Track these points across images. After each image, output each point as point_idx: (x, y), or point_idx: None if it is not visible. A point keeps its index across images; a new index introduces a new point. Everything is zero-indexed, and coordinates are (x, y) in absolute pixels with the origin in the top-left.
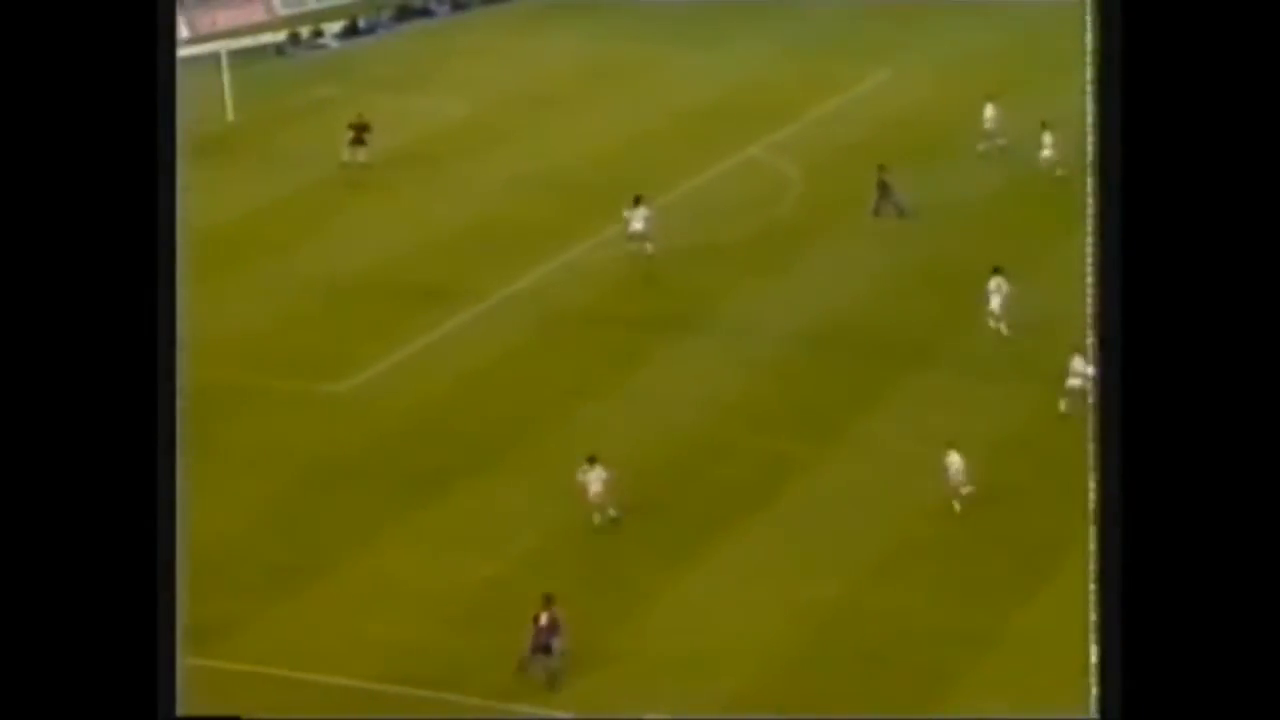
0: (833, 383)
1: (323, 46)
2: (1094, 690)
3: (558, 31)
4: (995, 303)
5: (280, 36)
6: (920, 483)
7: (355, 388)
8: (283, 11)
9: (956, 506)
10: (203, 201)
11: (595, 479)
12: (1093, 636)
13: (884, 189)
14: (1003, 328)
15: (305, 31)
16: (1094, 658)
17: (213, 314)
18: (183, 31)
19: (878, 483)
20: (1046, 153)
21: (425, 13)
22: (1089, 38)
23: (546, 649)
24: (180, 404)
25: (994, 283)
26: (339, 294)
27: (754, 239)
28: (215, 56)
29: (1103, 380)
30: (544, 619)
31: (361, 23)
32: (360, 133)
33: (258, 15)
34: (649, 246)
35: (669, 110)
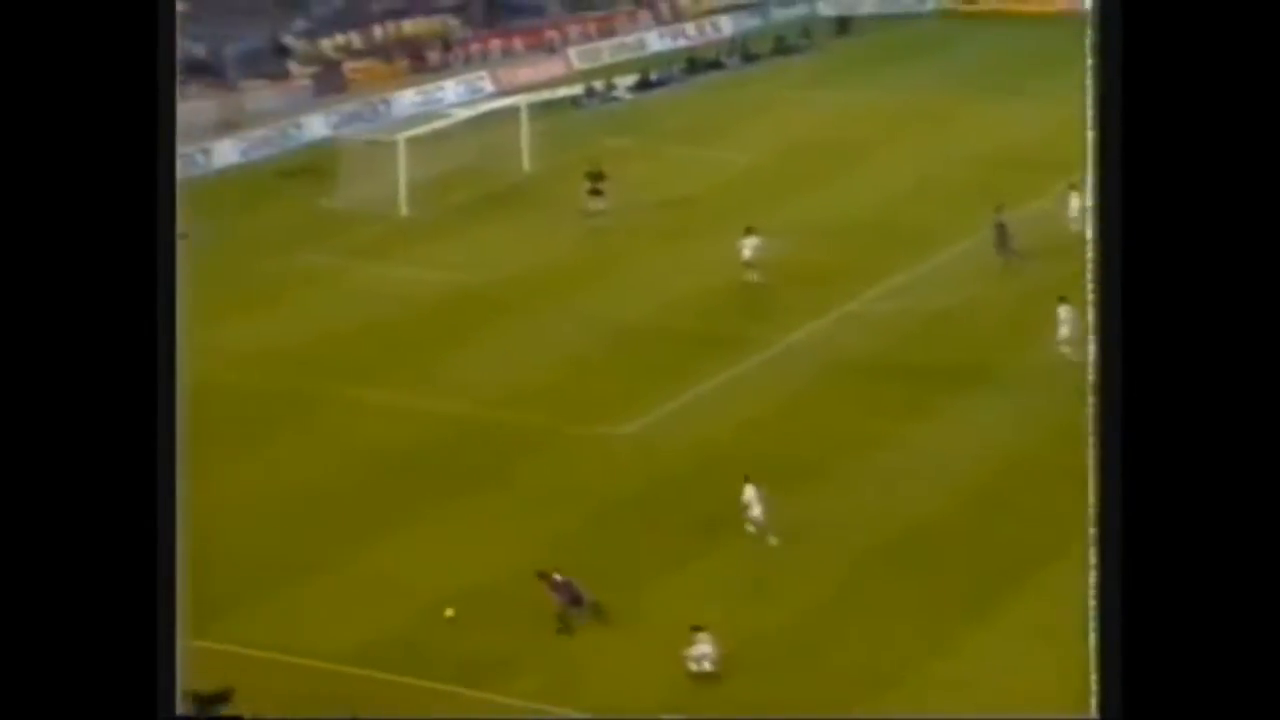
0: None
1: (616, 99)
2: (1094, 690)
3: (847, 82)
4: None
5: (576, 90)
6: None
7: (639, 431)
8: (579, 65)
9: None
10: (499, 249)
11: None
12: (1093, 636)
13: (1001, 231)
14: None
15: (600, 85)
16: (1094, 658)
17: (506, 360)
18: (487, 86)
19: None
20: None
21: (716, 65)
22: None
23: (578, 601)
24: (180, 404)
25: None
26: (625, 339)
27: (1046, 290)
28: (516, 109)
29: (1103, 379)
30: (558, 577)
31: (654, 76)
32: (596, 182)
33: (557, 70)
34: (755, 275)
35: (961, 158)
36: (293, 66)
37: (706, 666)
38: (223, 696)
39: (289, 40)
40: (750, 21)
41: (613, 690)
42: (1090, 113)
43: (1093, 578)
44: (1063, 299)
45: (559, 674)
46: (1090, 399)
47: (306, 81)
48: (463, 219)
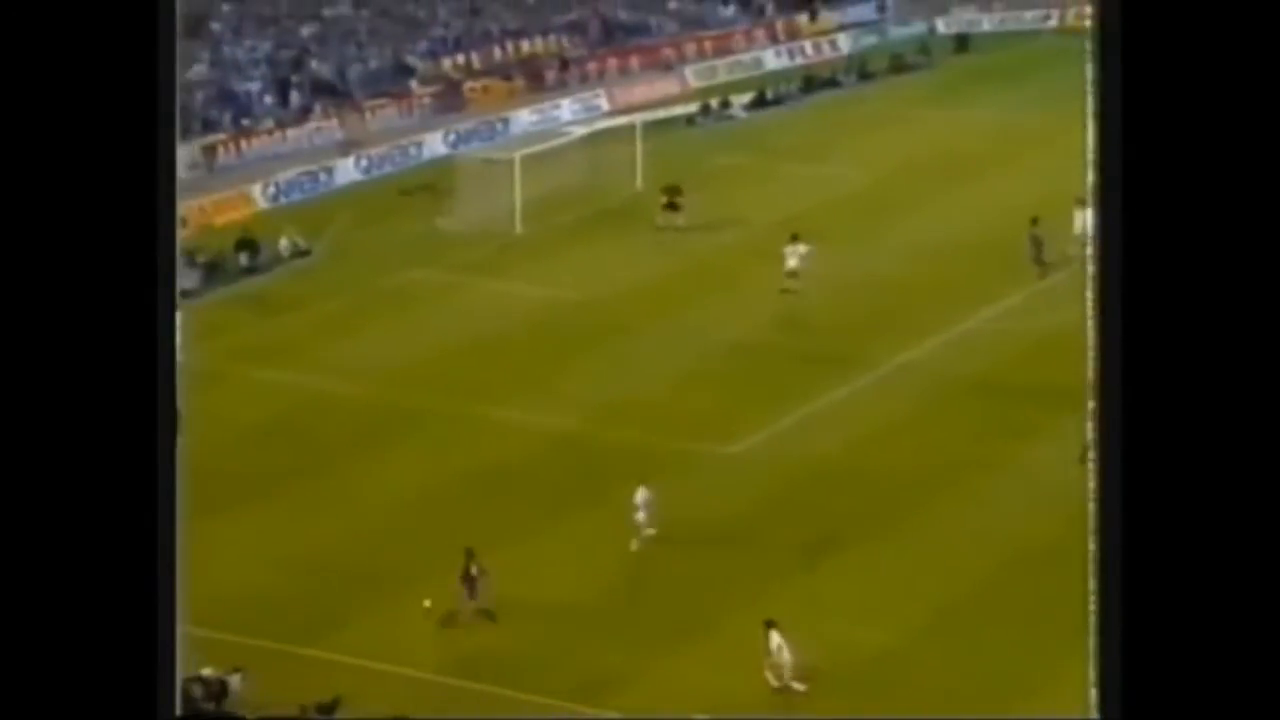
0: None
1: (731, 117)
2: (1094, 690)
3: (965, 100)
4: None
5: (691, 108)
6: None
7: (746, 450)
8: (695, 84)
9: None
10: (610, 266)
11: None
12: (1093, 636)
13: (1036, 243)
14: None
15: (715, 103)
16: (1094, 658)
17: (615, 376)
18: (603, 104)
19: None
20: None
21: (832, 83)
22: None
23: (472, 592)
24: (180, 403)
25: None
26: (734, 357)
27: None
28: (631, 128)
29: (1103, 379)
30: (473, 570)
31: (769, 94)
32: (673, 197)
33: (672, 88)
34: (797, 284)
35: (1079, 176)
36: (414, 86)
37: (786, 672)
38: (332, 705)
39: (411, 60)
40: (867, 40)
41: (711, 709)
42: (1090, 130)
43: (1093, 577)
44: None
45: (661, 691)
46: (1090, 401)
47: (427, 100)
48: (575, 236)
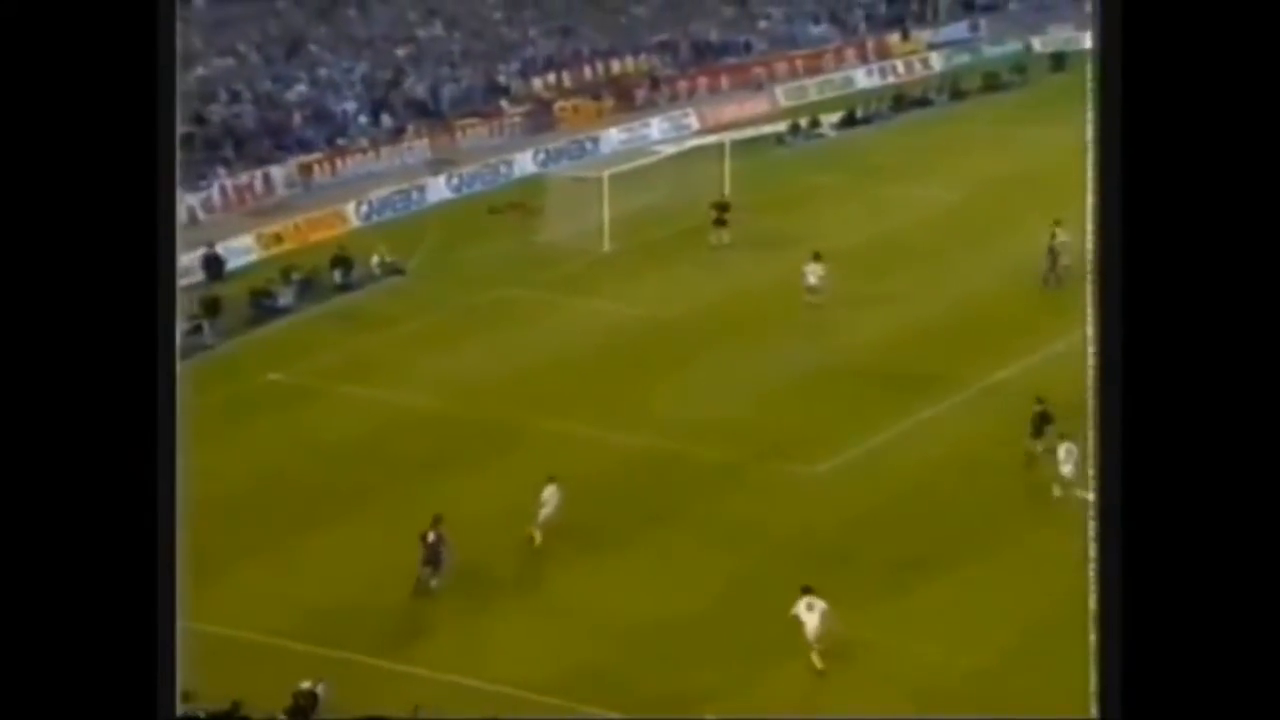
0: None
1: (820, 136)
2: (1094, 690)
3: (1059, 118)
4: None
5: (781, 127)
6: None
7: (831, 470)
8: (785, 103)
9: None
10: (697, 285)
11: None
12: (1093, 636)
13: (1053, 255)
14: None
15: (805, 122)
16: (1094, 657)
17: (700, 395)
18: (692, 123)
19: None
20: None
21: (924, 102)
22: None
23: (434, 562)
24: (179, 404)
25: None
26: (821, 377)
27: None
28: (720, 147)
29: (1103, 378)
30: (431, 536)
31: (859, 112)
32: (722, 213)
33: (762, 107)
34: (818, 299)
35: None
36: (505, 105)
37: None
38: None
39: (502, 80)
40: (960, 58)
41: None
42: (1090, 146)
43: (1093, 577)
44: None
45: (745, 707)
46: (1089, 401)
47: (517, 120)
48: (663, 255)
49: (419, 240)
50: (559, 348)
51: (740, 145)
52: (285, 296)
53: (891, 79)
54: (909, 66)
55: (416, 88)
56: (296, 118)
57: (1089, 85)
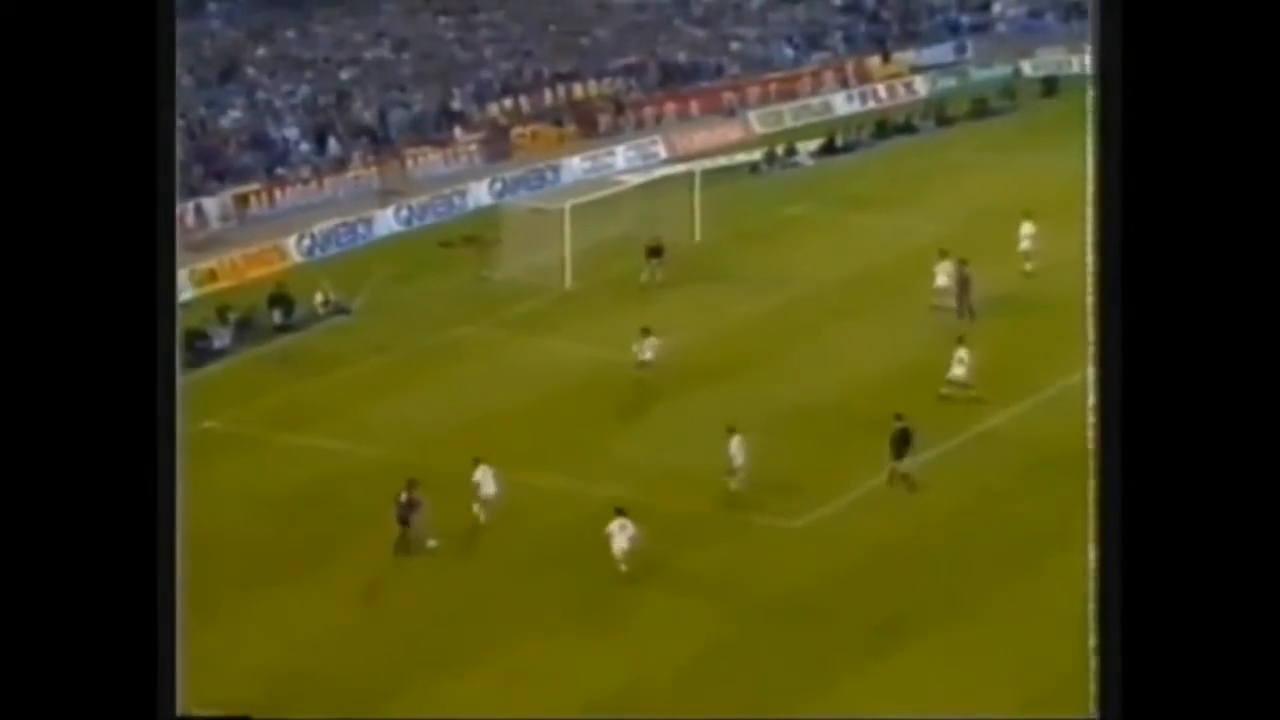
0: None
1: (796, 164)
2: (1094, 690)
3: (1050, 146)
4: None
5: (755, 155)
6: None
7: (812, 524)
8: (760, 130)
9: None
10: (665, 324)
11: None
12: (1092, 636)
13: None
14: None
15: (780, 150)
16: (1094, 658)
17: (670, 442)
18: (660, 151)
19: None
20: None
21: (908, 129)
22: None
23: (405, 521)
24: (179, 405)
25: None
26: (799, 423)
27: None
28: (689, 176)
29: (1103, 378)
30: (404, 498)
31: (839, 140)
32: (655, 253)
33: (735, 134)
34: (651, 375)
35: None
36: (458, 132)
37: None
38: None
39: (455, 105)
40: (946, 82)
41: None
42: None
43: (1093, 577)
44: None
45: None
46: (1090, 400)
47: (472, 147)
48: (628, 292)
49: (365, 277)
50: (517, 392)
51: (712, 175)
52: (221, 338)
53: (873, 104)
54: (891, 91)
55: (363, 113)
56: (232, 145)
57: (1088, 112)
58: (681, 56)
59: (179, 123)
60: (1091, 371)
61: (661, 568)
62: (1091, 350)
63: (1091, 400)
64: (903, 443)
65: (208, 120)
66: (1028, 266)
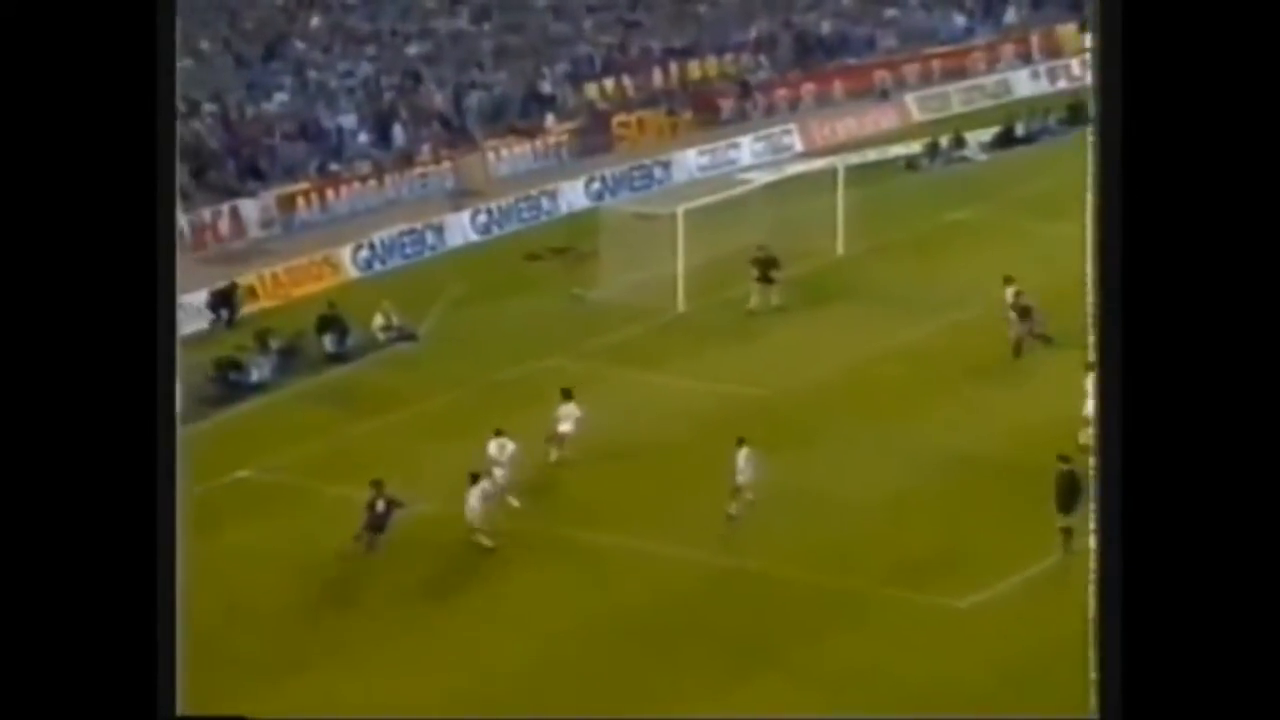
0: None
1: (966, 159)
2: (1094, 690)
3: None
4: None
5: (913, 148)
6: None
7: (982, 604)
8: (920, 116)
9: None
10: (800, 355)
11: None
12: (1093, 636)
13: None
14: None
15: (945, 140)
16: (1094, 658)
17: (806, 501)
18: (796, 143)
19: None
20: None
21: None
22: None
23: (379, 528)
24: (179, 406)
25: None
26: (964, 479)
27: None
28: (831, 173)
29: (1103, 377)
30: (380, 505)
31: (1020, 128)
32: (766, 269)
33: (889, 121)
34: (566, 453)
35: None
36: (549, 120)
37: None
38: None
39: (546, 87)
40: None
41: None
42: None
43: (1093, 578)
44: None
45: None
46: (1090, 400)
47: (565, 138)
48: (755, 316)
49: (435, 296)
50: (618, 438)
51: (859, 171)
52: (260, 369)
53: (1064, 84)
54: (1088, 68)
55: (435, 96)
56: (276, 135)
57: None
58: (824, 26)
59: (211, 108)
60: (1092, 373)
61: (791, 656)
62: (1092, 352)
63: (1091, 401)
64: (1070, 492)
65: (247, 105)
66: None
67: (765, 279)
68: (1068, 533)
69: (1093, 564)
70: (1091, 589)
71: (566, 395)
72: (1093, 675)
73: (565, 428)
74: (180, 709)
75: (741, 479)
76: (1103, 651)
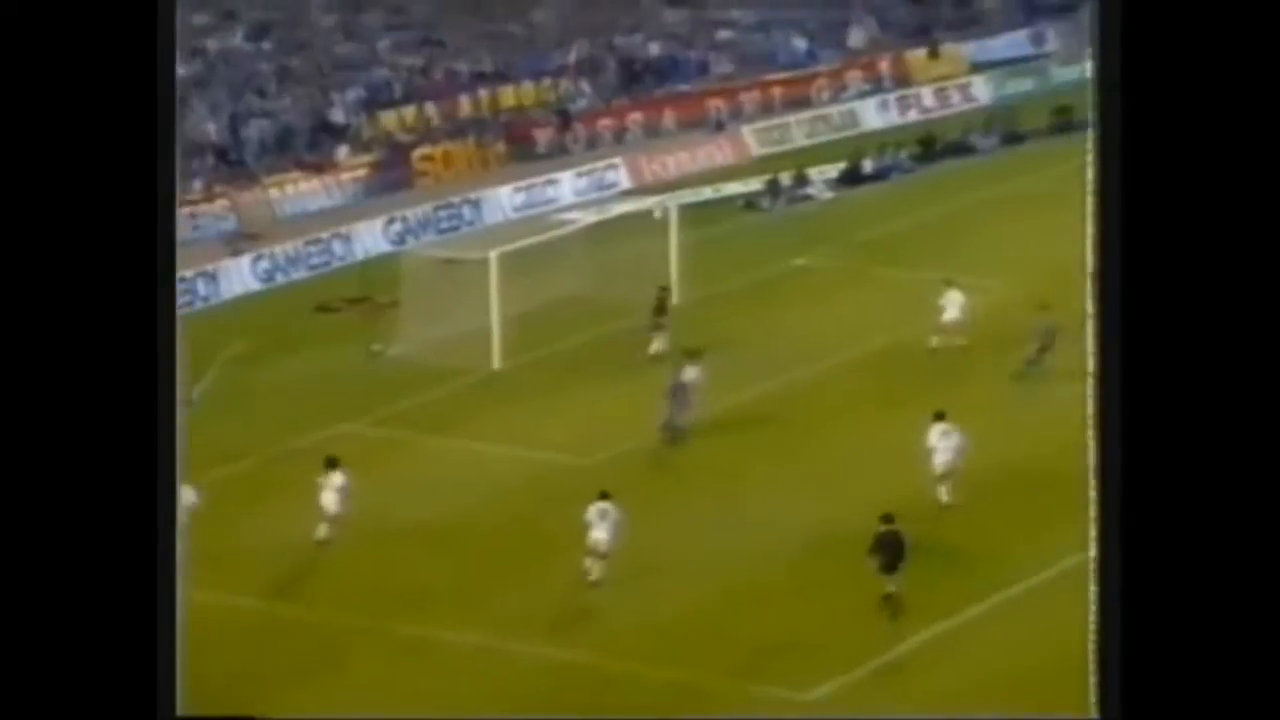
0: None
1: (809, 198)
2: (1094, 690)
3: None
4: None
5: (752, 185)
6: None
7: (829, 697)
8: (759, 150)
9: None
10: (627, 419)
11: None
12: (1093, 636)
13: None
14: None
15: (787, 177)
16: (1094, 658)
17: (637, 584)
18: (621, 179)
19: None
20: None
21: (964, 149)
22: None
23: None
24: (179, 406)
25: None
26: (813, 555)
27: None
28: (662, 213)
29: (1103, 378)
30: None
31: (869, 164)
32: (659, 315)
33: (724, 155)
34: (333, 532)
35: None
36: (341, 152)
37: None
38: None
39: (337, 115)
40: (1019, 85)
41: None
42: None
43: (1093, 578)
44: None
45: None
46: (1090, 401)
47: (360, 173)
48: (579, 375)
49: (209, 356)
50: (423, 512)
51: (692, 211)
52: None
53: (915, 115)
54: (942, 97)
55: (206, 125)
56: None
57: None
58: (651, 49)
59: None
60: (1091, 372)
61: None
62: (1091, 353)
63: (1091, 402)
64: (895, 554)
65: None
66: None
67: (658, 326)
68: (889, 599)
69: (1093, 562)
70: (1092, 588)
71: (331, 464)
72: (1092, 679)
73: (328, 501)
74: (180, 709)
75: (599, 535)
76: (1103, 651)
